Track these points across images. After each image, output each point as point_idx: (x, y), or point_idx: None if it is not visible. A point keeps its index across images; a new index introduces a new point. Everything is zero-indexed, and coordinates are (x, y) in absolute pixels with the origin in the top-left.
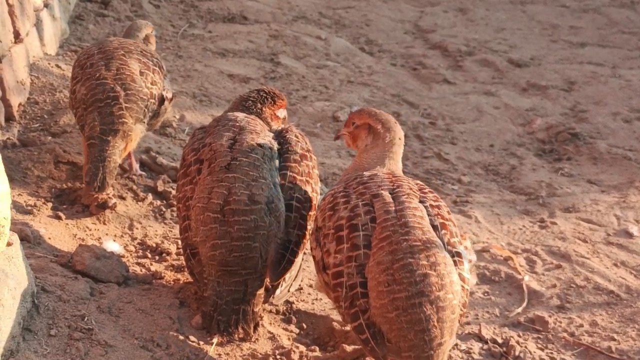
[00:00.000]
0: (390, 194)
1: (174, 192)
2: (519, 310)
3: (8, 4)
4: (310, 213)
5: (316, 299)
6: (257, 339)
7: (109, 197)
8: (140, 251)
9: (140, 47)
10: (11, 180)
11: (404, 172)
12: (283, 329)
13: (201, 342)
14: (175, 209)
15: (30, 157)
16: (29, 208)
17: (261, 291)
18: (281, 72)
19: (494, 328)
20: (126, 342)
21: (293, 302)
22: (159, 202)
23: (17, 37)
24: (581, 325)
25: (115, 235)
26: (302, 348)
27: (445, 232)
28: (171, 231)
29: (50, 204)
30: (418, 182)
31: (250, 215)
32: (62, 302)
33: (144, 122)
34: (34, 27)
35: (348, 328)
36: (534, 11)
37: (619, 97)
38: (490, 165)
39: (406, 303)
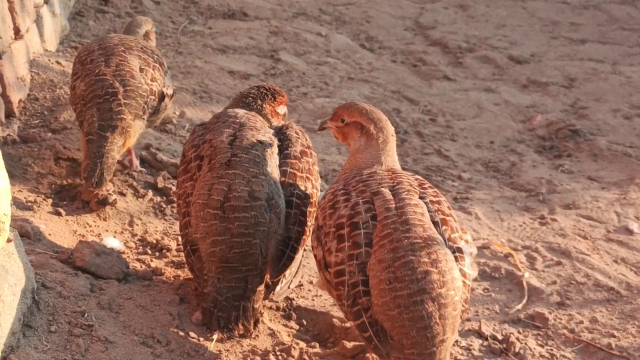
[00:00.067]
0: (390, 191)
1: (174, 188)
2: (519, 306)
3: (8, 0)
4: (310, 209)
5: (316, 296)
6: (257, 335)
7: (109, 194)
8: (141, 247)
9: (140, 43)
10: (11, 176)
11: (404, 168)
12: (283, 325)
13: (201, 339)
14: (175, 205)
15: (31, 154)
16: (29, 204)
17: (261, 287)
18: (281, 68)
19: (494, 324)
20: (126, 338)
21: (293, 299)
22: (159, 199)
23: (17, 33)
24: (581, 322)
25: (115, 232)
26: (302, 344)
27: (445, 228)
28: (171, 227)
29: (50, 200)
30: (417, 177)
31: (250, 211)
32: (62, 298)
33: (143, 119)
34: (34, 23)
35: (348, 324)
36: (534, 8)
37: (619, 94)
38: (491, 161)
39: (408, 301)
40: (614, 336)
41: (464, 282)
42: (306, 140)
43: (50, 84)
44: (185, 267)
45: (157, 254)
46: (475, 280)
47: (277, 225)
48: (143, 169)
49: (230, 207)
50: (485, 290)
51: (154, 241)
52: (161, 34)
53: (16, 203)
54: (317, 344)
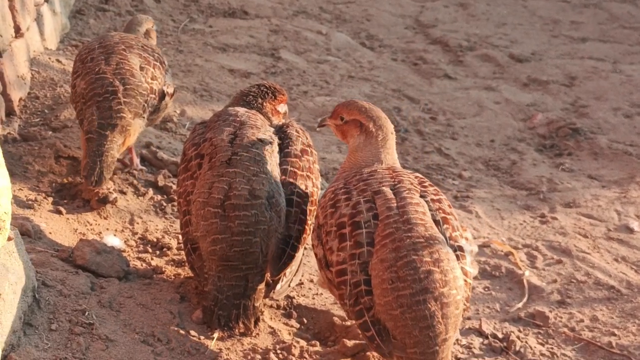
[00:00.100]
0: (391, 189)
1: (174, 186)
2: (520, 305)
3: None
4: (310, 208)
5: (317, 294)
6: (257, 334)
7: (110, 192)
8: (141, 246)
9: (141, 41)
10: (12, 174)
11: (404, 167)
12: (284, 323)
13: (202, 337)
14: (175, 203)
15: (31, 152)
16: (30, 203)
17: (262, 286)
18: (282, 67)
19: (495, 323)
20: (127, 337)
21: (294, 297)
22: (159, 197)
23: (18, 31)
24: (582, 321)
25: (115, 230)
26: (303, 343)
27: (447, 227)
28: (172, 226)
29: (51, 199)
30: (418, 175)
31: (250, 210)
32: (63, 296)
33: (144, 117)
34: (35, 21)
35: (348, 323)
36: (535, 6)
37: (620, 93)
38: (491, 160)
39: (411, 300)
40: (615, 335)
41: (465, 280)
42: (307, 138)
43: (51, 82)
44: (185, 266)
45: (158, 252)
46: (475, 278)
47: (277, 224)
48: (143, 168)
49: (230, 205)
50: (486, 289)
51: (155, 239)
52: (162, 33)
53: (17, 201)
54: (318, 343)
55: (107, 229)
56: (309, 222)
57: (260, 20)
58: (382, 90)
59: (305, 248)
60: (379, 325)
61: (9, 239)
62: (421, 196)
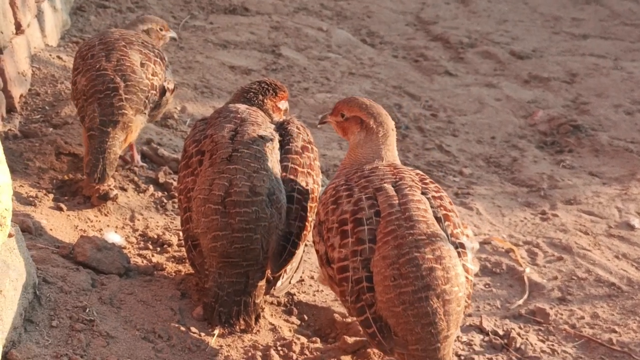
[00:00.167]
0: (393, 186)
1: (175, 183)
2: (520, 302)
3: None
4: (311, 205)
5: (317, 291)
6: (258, 331)
7: (111, 189)
8: (142, 242)
9: (141, 38)
10: (12, 171)
11: (405, 164)
12: (284, 320)
13: (202, 334)
14: (176, 200)
15: (32, 149)
16: (31, 199)
17: (262, 283)
18: (282, 63)
19: (495, 320)
20: (127, 333)
21: (294, 294)
22: (160, 194)
23: (19, 28)
24: (582, 317)
25: (116, 227)
26: (304, 339)
27: (448, 224)
28: (172, 223)
29: (51, 196)
30: (418, 172)
31: (251, 206)
32: (64, 293)
33: (145, 114)
34: (35, 18)
35: (349, 320)
36: (536, 3)
37: (621, 89)
38: (492, 157)
39: (413, 297)
40: (615, 331)
41: (466, 277)
42: (307, 135)
43: (52, 79)
44: (186, 262)
45: (159, 249)
46: (476, 275)
47: (278, 221)
48: (144, 164)
49: (231, 202)
50: (487, 286)
51: (155, 236)
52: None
53: (17, 198)
54: (319, 339)
55: (108, 226)
56: (310, 219)
57: (261, 17)
58: (382, 87)
59: (305, 245)
60: (380, 322)
61: (10, 235)
62: (422, 193)
